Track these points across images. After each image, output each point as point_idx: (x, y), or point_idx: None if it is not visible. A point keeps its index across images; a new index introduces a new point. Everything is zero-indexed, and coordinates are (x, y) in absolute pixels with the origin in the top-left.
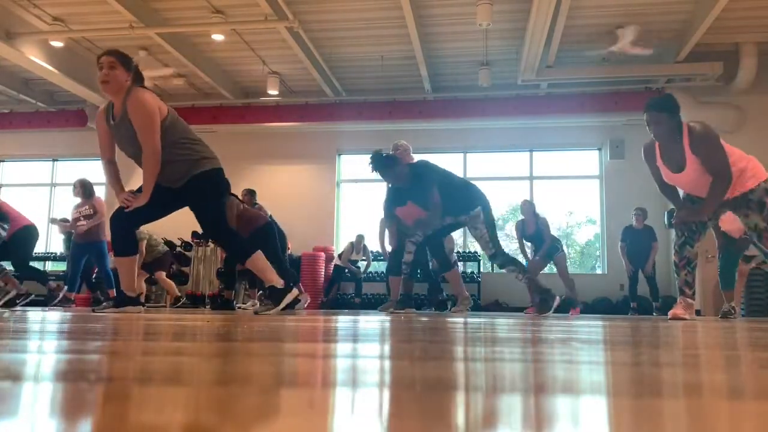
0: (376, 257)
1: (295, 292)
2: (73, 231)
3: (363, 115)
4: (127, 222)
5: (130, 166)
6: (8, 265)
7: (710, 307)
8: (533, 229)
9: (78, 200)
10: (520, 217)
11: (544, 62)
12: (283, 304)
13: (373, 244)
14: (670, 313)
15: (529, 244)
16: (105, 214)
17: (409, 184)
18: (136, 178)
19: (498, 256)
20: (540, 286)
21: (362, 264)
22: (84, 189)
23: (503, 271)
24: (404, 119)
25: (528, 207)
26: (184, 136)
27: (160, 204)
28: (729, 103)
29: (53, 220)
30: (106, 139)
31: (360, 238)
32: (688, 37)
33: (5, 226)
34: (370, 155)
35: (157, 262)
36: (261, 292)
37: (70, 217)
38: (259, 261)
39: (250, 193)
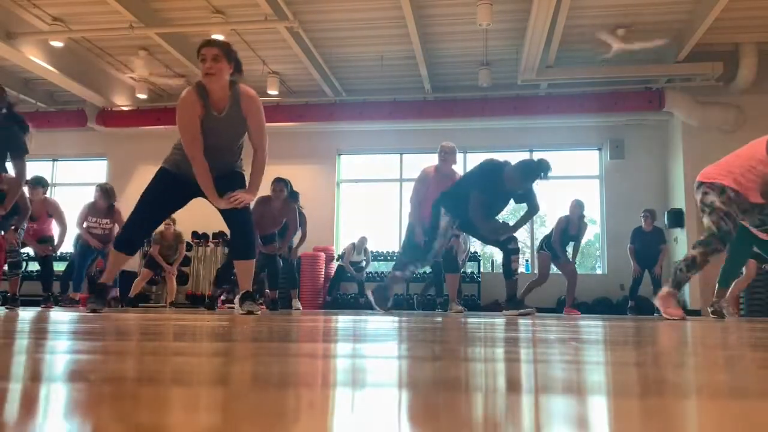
0: (376, 257)
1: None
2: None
3: (363, 115)
4: (144, 228)
5: (130, 162)
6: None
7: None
8: (576, 230)
9: (90, 201)
10: (565, 213)
11: (544, 62)
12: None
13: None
14: (668, 312)
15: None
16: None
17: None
18: (138, 176)
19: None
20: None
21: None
22: (107, 196)
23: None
24: (404, 119)
25: (579, 208)
26: None
27: (178, 200)
28: (729, 103)
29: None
30: (199, 131)
31: (363, 240)
32: (688, 37)
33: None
34: (544, 165)
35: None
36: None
37: (78, 217)
38: (250, 264)
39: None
